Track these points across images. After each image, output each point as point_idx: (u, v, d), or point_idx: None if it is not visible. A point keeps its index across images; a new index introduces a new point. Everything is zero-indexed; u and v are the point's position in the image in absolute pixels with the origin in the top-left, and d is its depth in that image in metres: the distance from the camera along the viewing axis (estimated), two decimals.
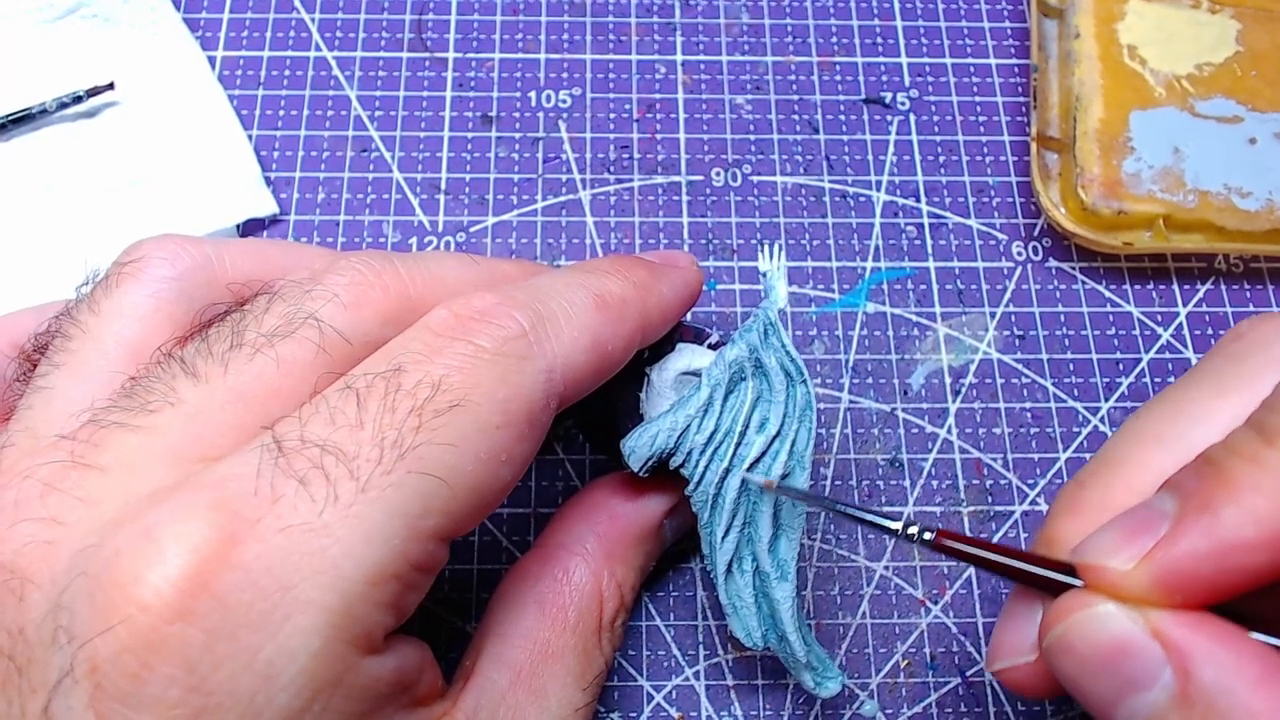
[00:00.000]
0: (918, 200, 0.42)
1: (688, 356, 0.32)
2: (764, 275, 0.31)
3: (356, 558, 0.22)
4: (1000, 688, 0.34)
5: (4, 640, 0.21)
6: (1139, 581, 0.22)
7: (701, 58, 0.44)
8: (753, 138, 0.43)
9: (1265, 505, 0.21)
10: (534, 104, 0.43)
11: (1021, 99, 0.44)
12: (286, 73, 0.43)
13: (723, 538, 0.30)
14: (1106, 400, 0.38)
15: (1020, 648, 0.25)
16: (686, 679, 0.34)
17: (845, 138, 0.43)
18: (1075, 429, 0.38)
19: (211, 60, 0.43)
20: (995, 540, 0.36)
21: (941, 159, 0.42)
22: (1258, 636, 0.21)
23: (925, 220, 0.41)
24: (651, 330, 0.30)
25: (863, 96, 0.44)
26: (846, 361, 0.39)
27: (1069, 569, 0.24)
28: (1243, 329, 0.27)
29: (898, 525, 0.26)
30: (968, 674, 0.34)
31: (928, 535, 0.26)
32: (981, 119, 0.43)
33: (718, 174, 0.42)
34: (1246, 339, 0.27)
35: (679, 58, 0.44)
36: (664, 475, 0.31)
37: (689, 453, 0.30)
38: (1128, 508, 0.24)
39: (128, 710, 0.20)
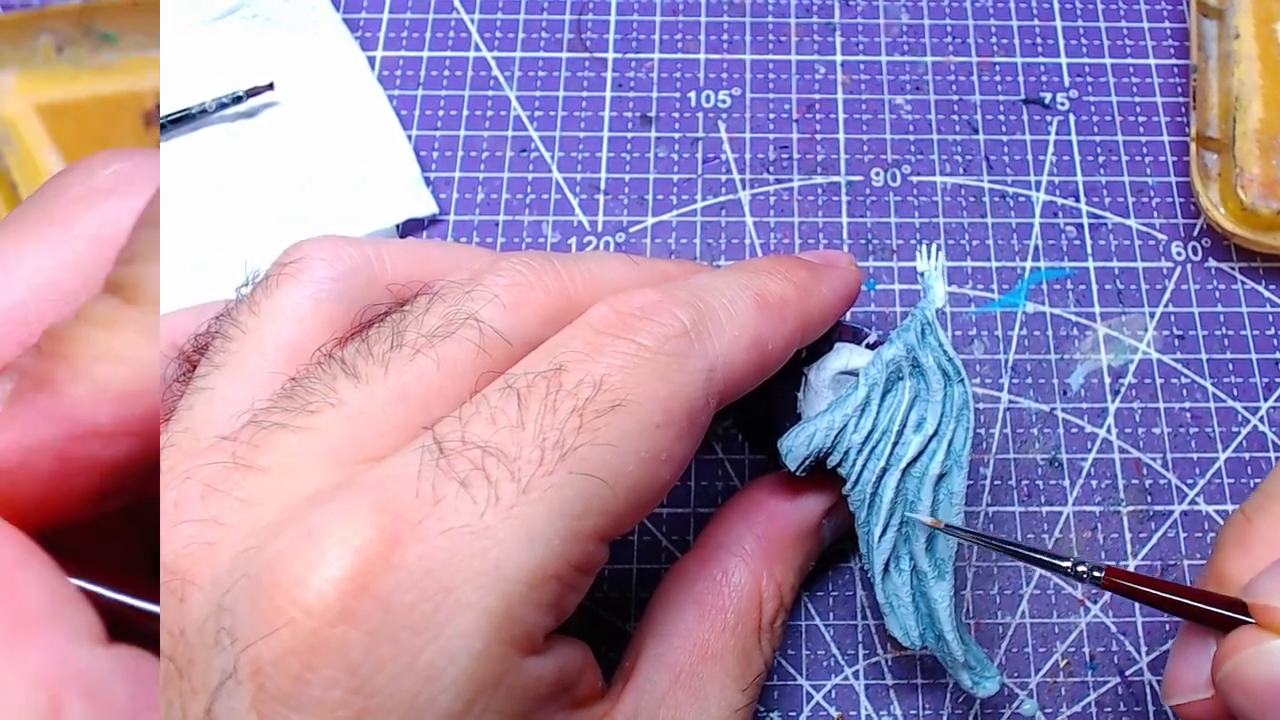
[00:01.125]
0: (1077, 200, 0.42)
1: (845, 356, 0.32)
2: (922, 275, 0.32)
3: (517, 559, 0.21)
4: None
5: (165, 642, 0.21)
6: None
7: (861, 58, 0.44)
8: (912, 138, 0.43)
9: None
10: (693, 104, 0.43)
11: (1181, 99, 0.43)
12: (446, 73, 0.44)
13: (880, 537, 0.30)
14: (1266, 400, 0.38)
15: (1195, 684, 0.25)
16: (846, 678, 0.34)
17: (1005, 138, 0.43)
18: (1234, 429, 0.38)
19: (371, 60, 0.43)
20: (1155, 541, 0.36)
21: (1101, 159, 0.42)
22: None
23: (1085, 220, 0.41)
24: (811, 330, 0.30)
25: (1022, 97, 0.44)
26: (1006, 361, 0.39)
27: (1239, 605, 0.24)
28: None
29: (1067, 564, 0.26)
30: (1127, 673, 0.34)
31: (1097, 574, 0.26)
32: (1141, 119, 0.43)
33: (877, 174, 0.42)
34: None
35: (838, 58, 0.44)
36: (822, 475, 0.31)
37: (846, 452, 0.30)
38: None
39: (290, 712, 0.20)
